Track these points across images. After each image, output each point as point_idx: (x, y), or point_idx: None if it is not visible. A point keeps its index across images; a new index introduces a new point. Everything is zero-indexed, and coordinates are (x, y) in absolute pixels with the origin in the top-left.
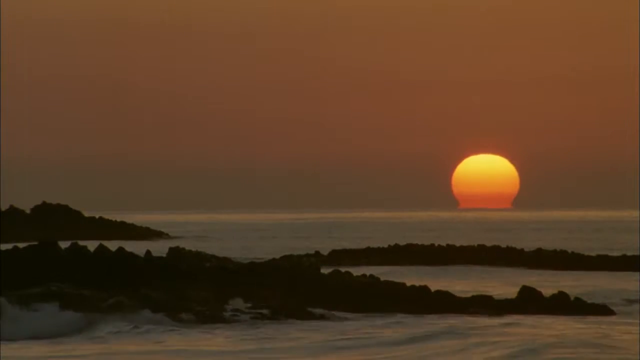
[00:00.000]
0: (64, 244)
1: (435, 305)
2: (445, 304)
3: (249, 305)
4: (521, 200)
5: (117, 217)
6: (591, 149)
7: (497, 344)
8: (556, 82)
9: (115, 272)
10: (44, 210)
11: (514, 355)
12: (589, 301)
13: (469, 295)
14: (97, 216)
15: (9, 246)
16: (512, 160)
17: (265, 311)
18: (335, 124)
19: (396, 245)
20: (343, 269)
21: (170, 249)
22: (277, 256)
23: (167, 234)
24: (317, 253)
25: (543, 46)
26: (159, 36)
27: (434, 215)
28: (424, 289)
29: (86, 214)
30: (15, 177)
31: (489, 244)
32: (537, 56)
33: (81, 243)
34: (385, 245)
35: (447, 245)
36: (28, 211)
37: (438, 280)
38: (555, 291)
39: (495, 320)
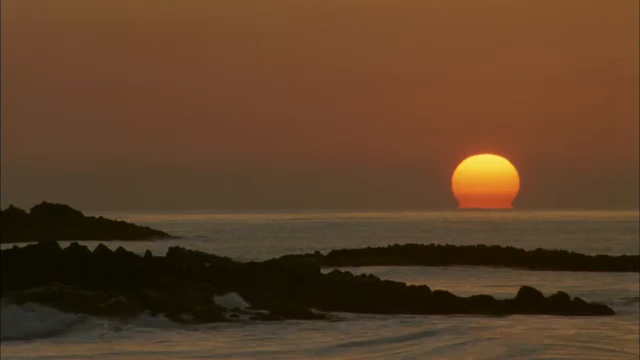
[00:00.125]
0: (64, 244)
1: (435, 305)
2: (445, 304)
3: (248, 305)
4: (521, 200)
5: (117, 217)
6: (591, 149)
7: (497, 344)
8: (556, 82)
9: (115, 272)
10: (44, 210)
11: (513, 355)
12: (588, 301)
13: (468, 295)
14: (97, 216)
15: (9, 246)
16: (512, 160)
17: (265, 311)
18: (335, 124)
19: (396, 245)
20: (343, 269)
21: (170, 249)
22: (277, 256)
23: (167, 234)
24: (317, 253)
25: (543, 46)
26: (159, 36)
27: (434, 215)
28: (424, 289)
29: (86, 214)
30: (15, 177)
31: (489, 244)
32: (537, 56)
33: (81, 243)
34: (385, 245)
35: (447, 245)
36: (28, 211)
37: (438, 280)
38: (555, 291)
39: (495, 321)
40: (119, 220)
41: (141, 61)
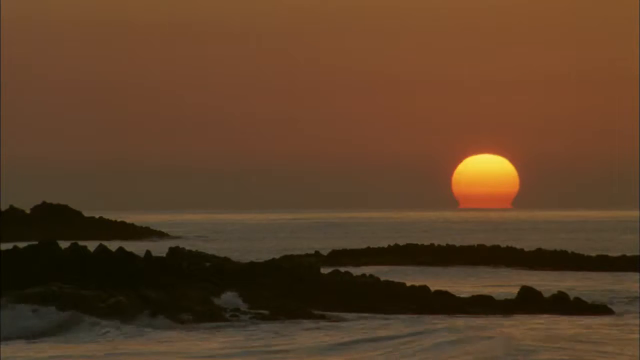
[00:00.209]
0: (64, 244)
1: (435, 305)
2: (445, 304)
3: (248, 305)
4: (521, 200)
5: (117, 217)
6: (591, 149)
7: (497, 344)
8: (556, 82)
9: (115, 272)
10: (44, 210)
11: (513, 355)
12: (589, 301)
13: (468, 295)
14: (97, 216)
15: (9, 246)
16: (512, 160)
17: (265, 311)
18: (335, 124)
19: (396, 245)
20: (343, 269)
21: (170, 249)
22: (277, 256)
23: (167, 234)
24: (317, 253)
25: (543, 46)
26: (159, 36)
27: (434, 215)
28: (424, 289)
29: (86, 214)
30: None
31: (489, 244)
32: (537, 56)
33: (81, 243)
34: (385, 245)
35: (447, 245)
36: (28, 211)
37: (438, 280)
38: (555, 291)
39: (495, 320)
40: (119, 220)
41: (141, 61)
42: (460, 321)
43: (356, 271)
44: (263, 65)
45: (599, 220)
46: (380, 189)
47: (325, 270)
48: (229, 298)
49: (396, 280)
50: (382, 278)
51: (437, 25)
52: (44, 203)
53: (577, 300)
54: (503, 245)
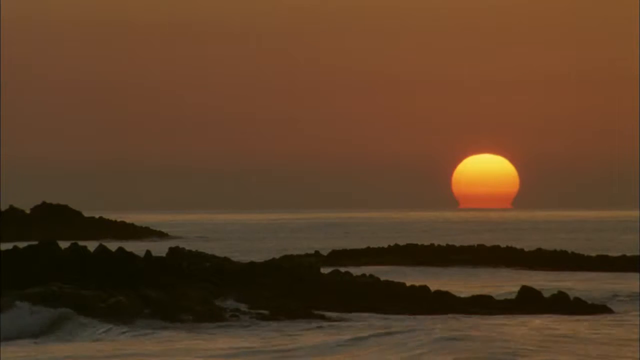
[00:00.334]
0: (64, 244)
1: (435, 305)
2: (445, 304)
3: (248, 305)
4: (521, 200)
5: (117, 217)
6: (591, 149)
7: (497, 344)
8: (556, 82)
9: (115, 272)
10: (44, 210)
11: (513, 355)
12: (588, 301)
13: (468, 295)
14: (97, 216)
15: (9, 246)
16: (512, 160)
17: (265, 311)
18: (335, 124)
19: (396, 245)
20: (343, 269)
21: (170, 249)
22: (277, 256)
23: (167, 234)
24: (317, 253)
25: (543, 46)
26: (159, 36)
27: (434, 215)
28: (424, 289)
29: (86, 214)
30: (15, 177)
31: (489, 244)
32: (537, 56)
33: (81, 243)
34: (385, 245)
35: (447, 245)
36: (28, 211)
37: (438, 280)
38: (555, 291)
39: (495, 320)
40: (119, 220)
41: (141, 61)
42: (460, 321)
43: (356, 271)
44: (263, 65)
45: (599, 220)
46: (380, 189)
47: (325, 270)
48: (228, 298)
49: (396, 280)
50: (382, 278)
51: (437, 25)
52: (44, 203)
53: (577, 300)
54: (503, 245)
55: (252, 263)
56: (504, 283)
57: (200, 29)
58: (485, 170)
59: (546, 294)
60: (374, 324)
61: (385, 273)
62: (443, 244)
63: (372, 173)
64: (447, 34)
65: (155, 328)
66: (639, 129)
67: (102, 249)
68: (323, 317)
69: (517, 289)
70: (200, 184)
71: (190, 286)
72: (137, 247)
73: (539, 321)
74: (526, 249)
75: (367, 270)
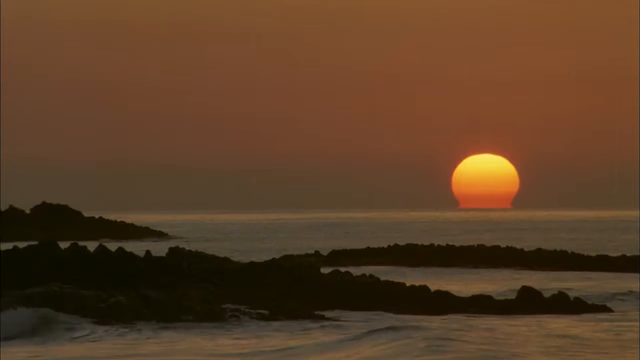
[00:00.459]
0: (64, 244)
1: (435, 305)
2: (445, 304)
3: (248, 305)
4: (521, 200)
5: (117, 217)
6: (591, 149)
7: (496, 343)
8: (556, 82)
9: (115, 272)
10: (44, 210)
11: (513, 355)
12: (588, 301)
13: (468, 295)
14: (97, 216)
15: (9, 246)
16: (511, 160)
17: (265, 311)
18: (335, 124)
19: (396, 245)
20: (343, 269)
21: (170, 249)
22: (277, 256)
23: (167, 234)
24: (317, 253)
25: (543, 46)
26: (159, 36)
27: (434, 215)
28: (424, 289)
29: (86, 214)
30: (15, 177)
31: (489, 244)
32: (537, 56)
33: (81, 243)
34: (385, 245)
35: (447, 245)
36: (28, 211)
37: (438, 280)
38: (555, 291)
39: (495, 320)
40: (119, 220)
41: (141, 61)
42: (460, 321)
43: (356, 271)
44: (263, 65)
45: (599, 220)
46: (380, 189)
47: (325, 270)
48: (228, 298)
49: (396, 280)
50: (382, 278)
51: (437, 25)
52: (44, 203)
53: (577, 300)
54: (503, 245)
55: (252, 263)
56: (504, 283)
57: (200, 29)
58: (485, 170)
59: (546, 294)
60: (374, 324)
61: (385, 273)
62: (443, 244)
63: (372, 173)
64: (447, 34)
65: (155, 328)
66: (639, 129)
67: (102, 249)
68: (323, 317)
69: (517, 289)
70: (200, 184)
71: (190, 286)
72: (137, 247)
73: (539, 321)
74: (526, 249)
75: (367, 270)
